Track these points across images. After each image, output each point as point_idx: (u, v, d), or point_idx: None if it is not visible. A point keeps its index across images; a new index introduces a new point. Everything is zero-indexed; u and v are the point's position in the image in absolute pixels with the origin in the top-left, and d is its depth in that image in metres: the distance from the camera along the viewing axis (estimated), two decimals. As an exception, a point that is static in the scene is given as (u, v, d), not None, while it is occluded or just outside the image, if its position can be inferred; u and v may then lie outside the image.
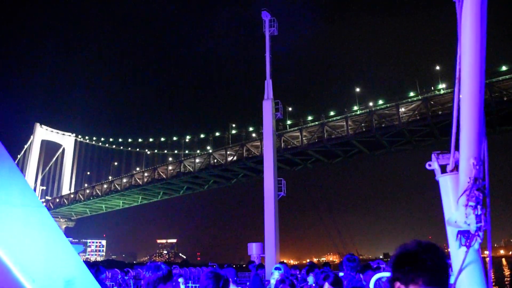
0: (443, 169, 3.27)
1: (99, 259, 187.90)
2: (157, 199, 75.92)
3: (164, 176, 65.11)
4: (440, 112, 41.14)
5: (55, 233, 2.90)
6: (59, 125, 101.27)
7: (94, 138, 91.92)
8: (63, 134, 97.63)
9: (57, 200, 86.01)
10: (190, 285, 19.54)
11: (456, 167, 3.04)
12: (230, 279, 5.09)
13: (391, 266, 1.75)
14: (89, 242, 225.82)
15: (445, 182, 3.15)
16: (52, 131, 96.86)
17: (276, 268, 5.09)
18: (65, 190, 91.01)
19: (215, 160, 58.92)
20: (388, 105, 44.61)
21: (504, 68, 38.38)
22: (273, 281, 4.92)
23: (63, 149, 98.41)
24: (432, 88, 42.77)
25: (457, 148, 3.02)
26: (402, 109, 43.43)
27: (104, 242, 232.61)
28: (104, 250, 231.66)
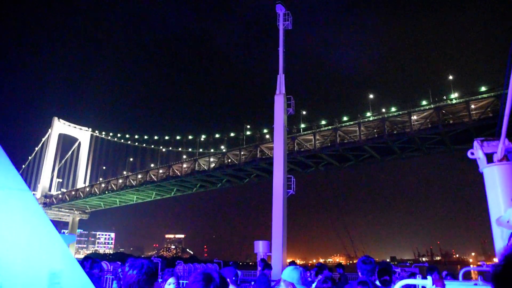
0: (489, 158, 2.97)
1: (107, 251, 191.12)
2: (170, 196, 77.76)
3: (178, 173, 66.89)
4: (451, 121, 42.24)
5: (41, 221, 2.71)
6: (76, 119, 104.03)
7: (111, 134, 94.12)
8: (80, 129, 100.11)
9: (73, 192, 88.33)
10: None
11: (506, 157, 2.76)
12: (228, 280, 4.92)
13: (495, 279, 1.29)
14: (98, 235, 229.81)
15: (493, 174, 2.81)
16: (69, 125, 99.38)
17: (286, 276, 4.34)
18: (80, 183, 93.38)
19: (229, 160, 60.50)
20: (400, 112, 45.78)
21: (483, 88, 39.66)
22: None
23: (79, 143, 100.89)
24: (445, 97, 43.82)
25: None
26: (414, 117, 44.58)
27: (113, 235, 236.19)
28: (113, 243, 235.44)
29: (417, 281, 3.35)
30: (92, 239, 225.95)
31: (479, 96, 40.74)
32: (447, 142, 45.22)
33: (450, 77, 44.11)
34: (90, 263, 9.43)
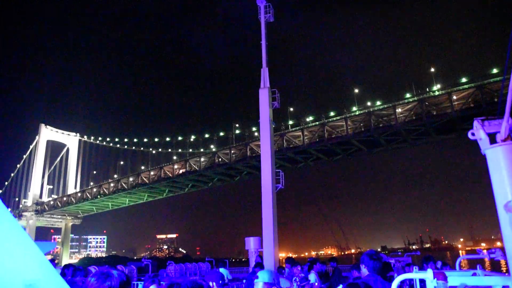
0: (492, 139, 2.86)
1: (99, 254, 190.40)
2: (162, 197, 78.19)
3: (170, 174, 67.39)
4: (434, 113, 43.61)
5: (13, 229, 2.58)
6: (64, 125, 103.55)
7: (100, 138, 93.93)
8: (68, 134, 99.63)
9: (65, 198, 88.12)
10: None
11: (510, 136, 2.67)
12: (214, 284, 4.81)
13: None
14: (90, 239, 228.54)
15: (497, 155, 2.67)
16: (57, 131, 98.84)
17: (259, 278, 4.02)
18: (71, 189, 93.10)
19: (220, 159, 61.24)
20: (385, 106, 47.00)
21: (495, 70, 40.87)
22: None
23: (68, 149, 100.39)
24: (427, 89, 45.15)
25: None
26: (399, 110, 45.84)
27: (104, 238, 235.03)
28: (105, 246, 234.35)
29: (417, 274, 3.21)
30: (84, 243, 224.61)
31: (461, 87, 42.15)
32: (431, 132, 46.62)
33: (432, 70, 45.47)
34: (72, 271, 9.32)
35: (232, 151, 60.09)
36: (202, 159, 63.86)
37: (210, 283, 4.65)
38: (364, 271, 4.74)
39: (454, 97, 41.96)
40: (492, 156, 2.72)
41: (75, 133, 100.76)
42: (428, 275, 2.92)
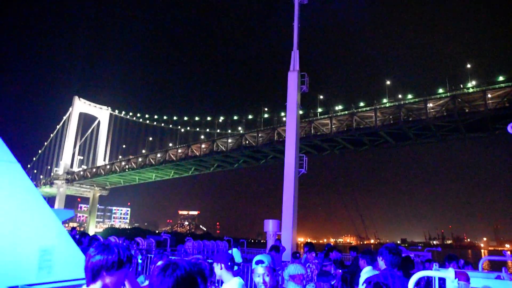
0: None
1: (123, 225, 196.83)
2: (188, 174, 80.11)
3: (197, 153, 68.92)
4: (467, 110, 43.04)
5: (31, 195, 2.60)
6: (96, 98, 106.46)
7: (130, 113, 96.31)
8: (100, 108, 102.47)
9: (94, 170, 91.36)
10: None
11: None
12: (223, 265, 4.22)
13: None
14: (114, 210, 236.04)
15: None
16: (89, 104, 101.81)
17: (258, 262, 3.69)
18: (100, 161, 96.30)
19: (247, 142, 62.19)
20: (417, 99, 46.60)
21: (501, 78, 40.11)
22: (258, 279, 3.63)
23: (99, 122, 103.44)
24: (461, 86, 44.47)
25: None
26: (430, 105, 45.41)
27: (128, 210, 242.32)
28: (128, 218, 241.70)
29: (438, 272, 3.08)
30: (108, 214, 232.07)
31: (496, 86, 41.34)
32: (462, 129, 46.08)
33: (468, 66, 44.67)
34: (88, 240, 9.59)
35: (259, 135, 60.87)
36: (229, 141, 64.97)
37: (215, 265, 4.28)
38: (381, 264, 4.55)
39: (489, 96, 41.26)
40: None
41: (106, 106, 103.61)
42: (449, 274, 2.79)
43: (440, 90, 45.41)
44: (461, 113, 43.22)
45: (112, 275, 2.21)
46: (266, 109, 62.41)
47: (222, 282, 4.32)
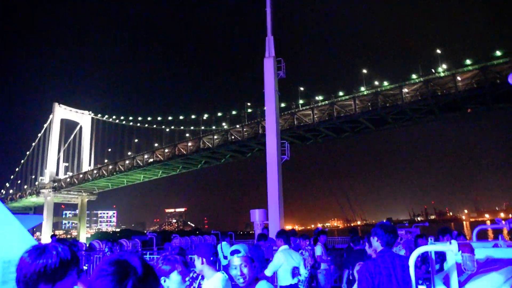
0: None
1: (110, 229, 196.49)
2: (176, 173, 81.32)
3: (184, 151, 70.23)
4: (439, 93, 45.69)
5: None
6: (77, 103, 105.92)
7: (113, 116, 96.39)
8: (82, 113, 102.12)
9: (81, 176, 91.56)
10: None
11: None
12: (204, 260, 3.90)
13: None
14: (100, 213, 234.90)
15: None
16: (70, 109, 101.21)
17: (234, 252, 3.25)
18: (85, 166, 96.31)
19: (233, 137, 63.86)
20: (392, 86, 49.05)
21: (498, 53, 42.68)
22: (235, 272, 3.17)
23: (81, 127, 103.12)
24: (433, 70, 47.05)
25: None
26: (405, 90, 47.91)
27: (114, 212, 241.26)
28: (115, 221, 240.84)
29: (440, 246, 2.90)
30: (94, 218, 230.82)
31: (465, 69, 44.06)
32: (436, 111, 48.79)
33: (438, 51, 47.23)
34: (68, 246, 10.59)
35: (244, 129, 62.60)
36: (215, 137, 66.49)
37: (196, 259, 3.97)
38: (377, 245, 4.20)
39: (459, 78, 43.94)
40: None
41: (88, 111, 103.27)
42: (452, 247, 2.61)
43: (414, 76, 47.94)
44: (434, 96, 45.83)
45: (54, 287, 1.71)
46: (249, 104, 64.09)
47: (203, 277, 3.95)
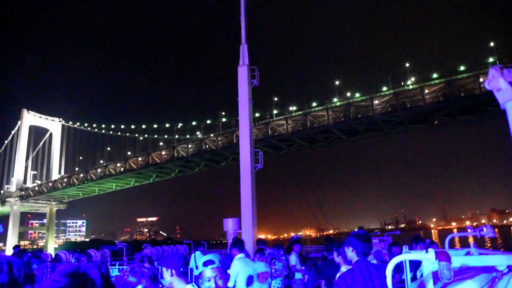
0: None
1: (79, 239, 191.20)
2: (149, 182, 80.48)
3: (158, 160, 69.72)
4: (408, 105, 47.42)
5: None
6: (46, 110, 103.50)
7: (85, 124, 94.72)
8: (53, 120, 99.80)
9: (50, 184, 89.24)
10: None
11: None
12: (173, 271, 3.65)
13: None
14: (69, 223, 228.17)
15: None
16: (40, 116, 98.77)
17: (207, 263, 3.13)
18: (55, 174, 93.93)
19: (207, 146, 63.95)
20: (364, 98, 50.55)
21: (462, 68, 44.81)
22: (207, 284, 3.03)
23: (51, 134, 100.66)
24: (402, 83, 48.83)
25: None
26: (376, 102, 49.43)
27: (84, 222, 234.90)
28: (84, 230, 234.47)
29: (417, 255, 2.78)
30: (62, 227, 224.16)
31: (432, 82, 45.98)
32: (405, 122, 50.52)
33: (407, 65, 49.10)
34: (28, 258, 8.72)
35: (219, 138, 62.84)
36: (190, 146, 66.38)
37: (165, 271, 3.75)
38: (352, 255, 4.11)
39: (426, 91, 45.78)
40: None
41: (58, 118, 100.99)
42: (429, 255, 2.56)
43: (384, 88, 49.58)
44: (403, 108, 47.48)
45: None
46: (223, 113, 64.45)
47: None
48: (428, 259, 2.58)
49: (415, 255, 2.82)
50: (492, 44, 43.35)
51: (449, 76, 44.59)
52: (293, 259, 9.95)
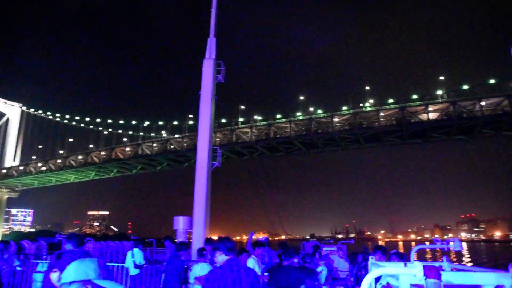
0: None
1: (23, 229, 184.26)
2: (109, 176, 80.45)
3: (121, 156, 70.22)
4: (364, 125, 51.54)
5: None
6: (6, 94, 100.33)
7: (48, 112, 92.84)
8: (12, 105, 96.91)
9: (4, 171, 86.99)
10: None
11: None
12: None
13: None
14: (14, 211, 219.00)
15: None
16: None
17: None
18: (8, 161, 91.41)
19: (172, 146, 65.45)
20: (325, 114, 54.27)
21: (415, 96, 49.48)
22: None
23: (7, 119, 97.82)
24: (361, 104, 52.90)
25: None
26: (336, 119, 53.23)
27: (31, 212, 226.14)
28: (30, 220, 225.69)
29: (402, 270, 2.41)
30: (6, 216, 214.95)
31: (387, 107, 50.33)
32: (361, 140, 54.65)
33: (367, 88, 53.31)
34: (3, 245, 8.85)
35: (184, 140, 64.54)
36: (155, 145, 67.56)
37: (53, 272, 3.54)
38: (222, 258, 4.37)
39: (382, 114, 50.05)
40: None
41: (18, 103, 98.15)
42: (416, 271, 2.25)
43: (344, 107, 53.47)
44: (360, 127, 51.53)
45: None
46: (191, 116, 66.19)
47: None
48: (414, 275, 2.29)
49: (397, 269, 2.49)
50: (442, 78, 48.28)
51: (403, 103, 49.04)
52: (251, 263, 7.99)
